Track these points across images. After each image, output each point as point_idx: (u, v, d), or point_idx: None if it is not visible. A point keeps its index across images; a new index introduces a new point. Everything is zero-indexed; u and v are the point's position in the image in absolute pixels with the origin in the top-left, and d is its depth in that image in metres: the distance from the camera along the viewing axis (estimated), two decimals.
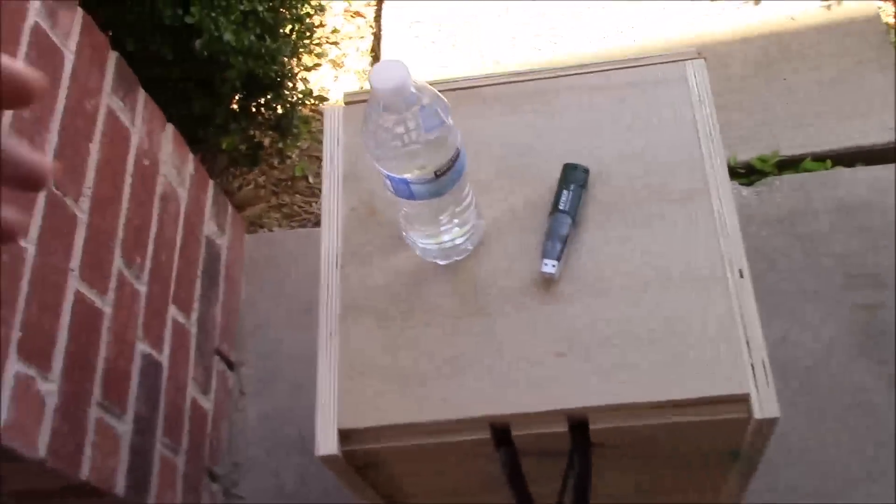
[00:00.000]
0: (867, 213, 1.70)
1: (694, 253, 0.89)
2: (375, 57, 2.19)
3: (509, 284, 0.91)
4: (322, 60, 2.11)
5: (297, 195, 2.02)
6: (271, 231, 1.94)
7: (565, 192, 0.92)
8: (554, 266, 0.89)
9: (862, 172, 1.76)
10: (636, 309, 0.87)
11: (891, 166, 1.76)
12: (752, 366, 0.83)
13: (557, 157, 0.96)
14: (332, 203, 0.98)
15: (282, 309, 1.77)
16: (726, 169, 0.94)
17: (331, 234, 0.96)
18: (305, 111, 1.96)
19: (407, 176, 0.79)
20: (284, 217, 1.99)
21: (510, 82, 1.03)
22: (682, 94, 0.98)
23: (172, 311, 1.48)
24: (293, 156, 2.04)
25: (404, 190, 0.81)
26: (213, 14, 1.43)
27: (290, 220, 1.98)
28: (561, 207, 0.91)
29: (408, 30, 2.19)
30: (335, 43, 2.21)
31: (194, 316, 1.56)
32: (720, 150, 0.94)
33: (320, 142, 2.07)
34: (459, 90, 1.02)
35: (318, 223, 1.92)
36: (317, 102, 1.94)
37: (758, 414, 0.81)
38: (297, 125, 1.88)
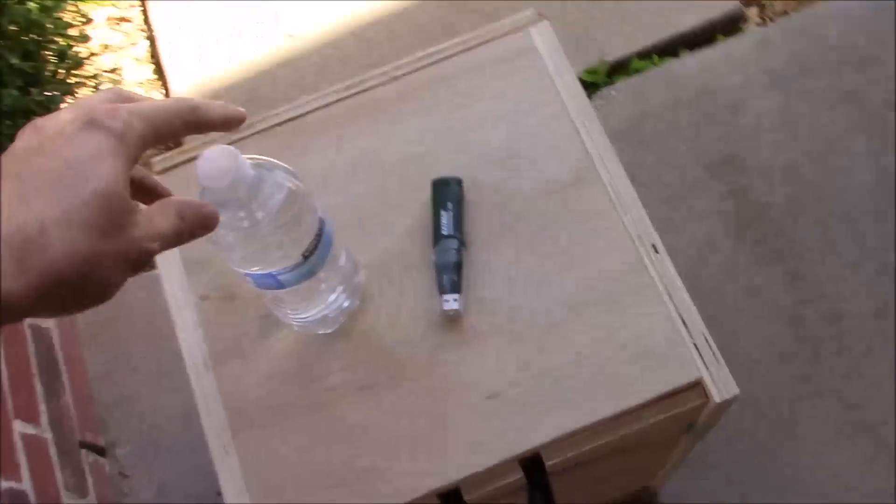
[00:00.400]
0: (706, 99, 1.67)
1: (599, 243, 0.80)
2: (157, 63, 1.96)
3: (412, 334, 0.79)
4: (101, 80, 1.88)
5: None
6: None
7: (443, 213, 0.80)
8: (456, 300, 0.78)
9: (690, 60, 1.72)
10: (558, 325, 0.77)
11: (715, 47, 1.73)
12: (695, 346, 0.76)
13: (422, 173, 0.83)
14: (178, 297, 0.82)
15: (139, 371, 1.59)
16: (603, 134, 0.84)
17: (188, 335, 0.81)
18: None
19: (271, 270, 0.65)
20: None
21: (339, 100, 0.88)
22: (536, 66, 0.87)
23: (19, 427, 1.28)
24: None
25: (272, 282, 0.67)
26: None
27: None
28: (444, 232, 0.79)
29: (179, 23, 1.98)
30: (111, 70, 1.96)
31: (44, 420, 1.36)
32: (594, 119, 0.84)
33: None
34: (286, 123, 0.87)
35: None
36: None
37: (716, 397, 0.74)
38: None
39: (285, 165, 0.65)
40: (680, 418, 0.77)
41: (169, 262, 0.84)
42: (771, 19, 1.80)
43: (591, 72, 1.72)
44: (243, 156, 0.59)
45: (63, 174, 0.42)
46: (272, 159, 0.64)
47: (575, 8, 1.81)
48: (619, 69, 1.74)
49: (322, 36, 1.92)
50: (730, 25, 1.79)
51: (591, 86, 1.72)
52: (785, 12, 1.81)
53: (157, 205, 0.48)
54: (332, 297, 0.76)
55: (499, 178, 0.83)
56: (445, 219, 0.80)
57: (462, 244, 0.79)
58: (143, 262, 0.46)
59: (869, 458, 1.40)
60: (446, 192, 0.81)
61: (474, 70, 0.87)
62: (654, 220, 1.54)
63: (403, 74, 0.89)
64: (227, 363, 0.80)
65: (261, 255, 0.64)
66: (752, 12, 1.83)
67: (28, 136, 0.44)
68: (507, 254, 0.80)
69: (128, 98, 0.49)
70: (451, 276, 0.78)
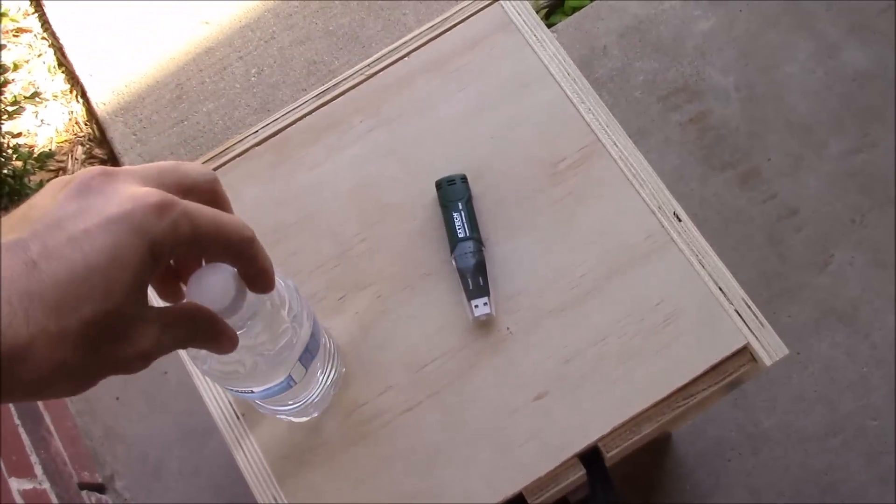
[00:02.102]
0: (649, 29, 1.65)
1: (619, 221, 0.77)
2: (68, 72, 1.85)
3: (446, 346, 0.75)
4: (24, 105, 1.77)
5: None
6: None
7: (455, 214, 0.76)
8: (486, 304, 0.74)
9: None
10: (592, 311, 0.75)
11: None
12: (736, 312, 0.74)
13: (420, 174, 0.79)
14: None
15: (123, 399, 1.53)
16: (602, 104, 0.81)
17: (211, 388, 0.76)
18: (35, 178, 1.65)
19: (282, 378, 0.61)
20: None
21: (317, 108, 0.83)
22: (515, 40, 0.83)
23: (15, 485, 1.22)
24: None
25: (283, 387, 0.62)
26: None
27: None
28: (461, 235, 0.76)
29: (82, 26, 1.87)
30: (32, 96, 1.85)
31: (39, 471, 1.30)
32: (588, 88, 0.81)
33: None
34: (266, 140, 0.82)
35: None
36: (42, 159, 1.62)
37: (766, 360, 0.73)
38: (29, 194, 1.57)
39: (288, 280, 0.59)
40: (730, 385, 0.76)
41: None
42: None
43: None
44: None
45: (74, 285, 0.37)
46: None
47: None
48: (555, 10, 1.70)
49: (239, 18, 1.84)
50: None
51: None
52: None
53: (172, 314, 0.43)
54: (321, 376, 0.71)
55: (502, 167, 0.80)
56: (458, 220, 0.76)
57: (480, 243, 0.76)
58: (137, 370, 0.42)
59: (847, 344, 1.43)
60: (453, 192, 0.77)
61: (451, 56, 0.83)
62: None
63: (377, 71, 0.84)
64: (257, 412, 0.76)
65: (273, 370, 0.59)
66: None
67: (61, 203, 0.39)
68: (527, 244, 0.77)
69: (188, 182, 0.43)
70: (476, 279, 0.75)
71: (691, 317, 0.74)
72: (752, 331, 0.73)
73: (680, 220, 0.77)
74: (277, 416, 0.74)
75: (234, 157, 0.82)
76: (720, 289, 0.75)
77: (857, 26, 1.60)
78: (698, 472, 1.36)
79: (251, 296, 0.49)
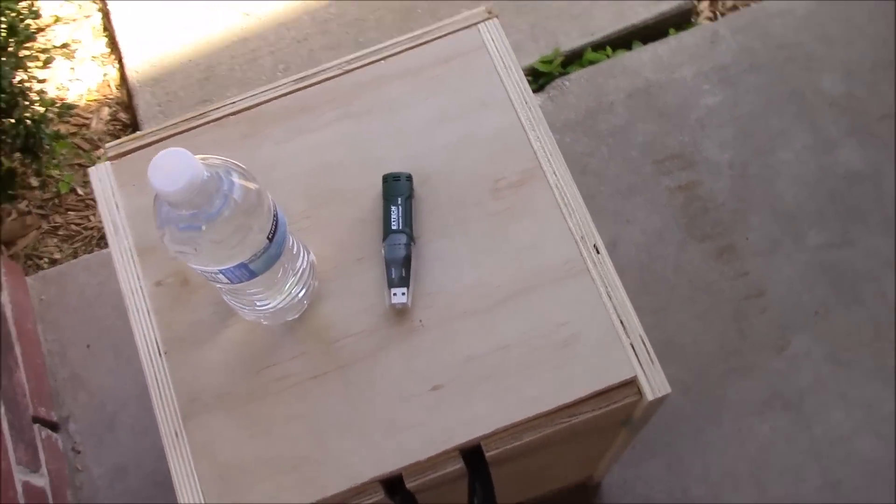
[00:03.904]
0: (658, 94, 1.71)
1: (543, 243, 0.83)
2: (111, 37, 1.95)
3: (361, 327, 0.81)
4: (54, 54, 1.86)
5: (70, 212, 1.80)
6: (55, 263, 1.72)
7: (393, 207, 0.83)
8: (404, 294, 0.80)
9: (643, 53, 1.76)
10: (501, 320, 0.81)
11: (666, 40, 1.77)
12: (631, 346, 0.79)
13: (373, 167, 0.85)
14: (132, 283, 0.84)
15: (94, 348, 1.59)
16: (551, 134, 0.87)
17: (141, 320, 0.83)
18: (54, 126, 1.73)
19: (243, 259, 0.67)
20: (62, 240, 1.77)
21: (294, 91, 0.90)
22: (484, 64, 0.89)
23: None
24: (53, 178, 1.80)
25: (244, 273, 0.69)
26: None
27: (69, 242, 1.76)
28: (394, 227, 0.82)
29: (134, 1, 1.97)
30: (63, 46, 1.95)
31: None
32: (541, 118, 0.87)
33: (81, 149, 1.84)
34: (241, 112, 0.89)
35: (102, 238, 1.72)
36: (63, 110, 1.71)
37: (649, 395, 0.78)
38: (48, 143, 1.65)
39: (238, 165, 0.67)
40: (615, 413, 0.80)
41: (121, 249, 0.85)
42: (721, 14, 1.85)
43: (545, 62, 1.75)
44: (195, 157, 0.62)
45: None
46: (225, 159, 0.66)
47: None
48: (573, 60, 1.77)
49: (278, 15, 1.92)
50: (682, 18, 1.82)
51: (545, 75, 1.74)
52: (735, 7, 1.85)
53: None
54: (289, 287, 0.78)
55: (448, 174, 0.86)
56: (395, 213, 0.82)
57: (411, 238, 0.82)
58: None
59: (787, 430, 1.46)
60: (396, 187, 0.83)
61: (425, 66, 0.89)
62: (604, 211, 1.59)
63: (355, 68, 0.91)
64: (180, 350, 0.82)
65: (230, 250, 0.66)
66: (704, 6, 1.87)
67: None
68: (455, 249, 0.83)
69: None
70: (399, 270, 0.81)
71: (589, 343, 0.79)
72: (641, 365, 0.78)
73: (598, 252, 0.83)
74: (253, 318, 0.81)
75: (208, 122, 0.89)
76: (621, 322, 0.80)
77: (857, 128, 1.65)
78: None
79: (205, 171, 0.61)
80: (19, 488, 1.33)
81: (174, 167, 0.60)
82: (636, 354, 0.79)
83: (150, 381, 0.81)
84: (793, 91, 1.70)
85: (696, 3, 1.85)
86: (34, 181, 1.79)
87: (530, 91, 0.88)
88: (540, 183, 0.85)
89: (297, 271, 0.78)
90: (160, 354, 0.82)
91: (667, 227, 1.60)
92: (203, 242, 0.64)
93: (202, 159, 0.64)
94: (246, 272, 0.69)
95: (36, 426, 1.45)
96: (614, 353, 0.79)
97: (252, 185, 0.67)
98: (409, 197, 0.83)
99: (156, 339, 0.82)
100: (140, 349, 0.82)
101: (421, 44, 0.91)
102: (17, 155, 1.68)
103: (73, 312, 1.62)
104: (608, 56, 1.77)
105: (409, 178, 0.84)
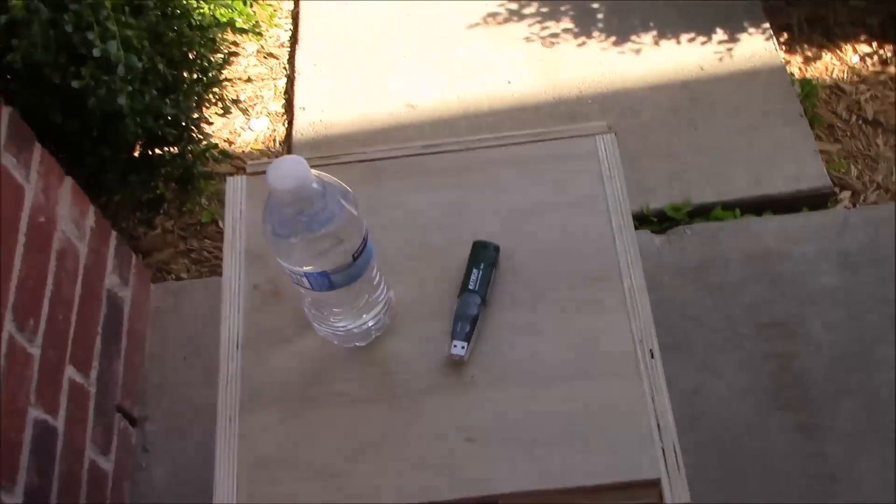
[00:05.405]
0: (775, 262, 1.73)
1: (604, 335, 0.88)
2: (289, 100, 2.15)
3: (418, 368, 0.88)
4: (232, 107, 2.07)
5: (206, 240, 1.96)
6: (180, 279, 1.88)
7: (475, 270, 0.90)
8: (463, 348, 0.87)
9: (770, 222, 1.79)
10: (547, 395, 0.86)
11: (797, 215, 1.80)
12: (662, 450, 0.82)
13: (468, 234, 0.94)
14: (234, 280, 0.94)
15: (190, 361, 1.71)
16: (637, 247, 0.93)
17: (232, 314, 0.92)
18: (209, 166, 1.92)
19: (325, 269, 0.76)
20: (193, 262, 1.92)
21: (418, 154, 1.00)
22: (592, 169, 0.97)
23: (69, 372, 1.41)
24: (196, 209, 1.98)
25: (324, 282, 0.78)
26: (105, 77, 1.37)
27: (198, 265, 1.92)
28: (471, 287, 0.89)
29: (317, 70, 2.17)
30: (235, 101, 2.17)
31: (93, 374, 1.49)
32: (630, 227, 0.93)
33: None
34: (365, 162, 0.99)
35: None
36: (220, 156, 1.89)
37: (669, 500, 0.80)
38: (199, 179, 1.82)
39: (345, 187, 0.77)
40: None
41: (233, 251, 0.95)
42: (858, 205, 1.87)
43: (675, 208, 1.81)
44: (311, 169, 0.71)
45: None
46: (335, 179, 0.76)
47: (679, 149, 1.91)
48: (701, 213, 1.83)
49: (438, 112, 2.07)
50: (818, 201, 1.85)
51: (670, 220, 1.80)
52: (876, 202, 1.87)
53: None
54: (365, 316, 0.86)
55: (534, 257, 0.93)
56: (475, 276, 0.89)
57: (483, 301, 0.89)
58: None
59: None
60: (483, 254, 0.91)
61: (537, 160, 0.98)
62: (695, 359, 1.60)
63: (477, 148, 1.00)
64: (256, 349, 0.90)
65: (317, 256, 0.75)
66: (846, 195, 1.90)
67: None
68: (522, 321, 0.89)
69: None
70: (465, 325, 0.87)
71: (624, 436, 0.83)
72: (667, 469, 0.81)
73: (653, 357, 0.87)
74: (326, 335, 0.89)
75: (333, 164, 1.00)
76: (658, 424, 0.83)
77: None
78: None
79: (315, 181, 0.71)
80: (86, 464, 1.43)
81: (290, 169, 0.70)
82: (665, 459, 0.82)
83: (223, 369, 0.90)
84: None
85: (836, 190, 1.87)
86: (181, 208, 1.97)
87: (627, 200, 0.95)
88: (615, 283, 0.90)
89: (374, 301, 0.86)
90: (237, 347, 0.91)
91: (753, 388, 1.60)
92: (297, 241, 0.73)
93: (317, 174, 0.74)
94: (327, 281, 0.78)
95: (117, 415, 1.56)
96: (645, 452, 0.82)
97: (352, 210, 0.76)
98: (492, 265, 0.91)
99: (238, 334, 0.91)
100: (222, 339, 0.91)
101: (540, 140, 0.99)
102: (173, 185, 1.86)
103: (182, 326, 1.75)
104: (735, 217, 1.81)
105: (496, 248, 0.92)
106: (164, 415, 1.66)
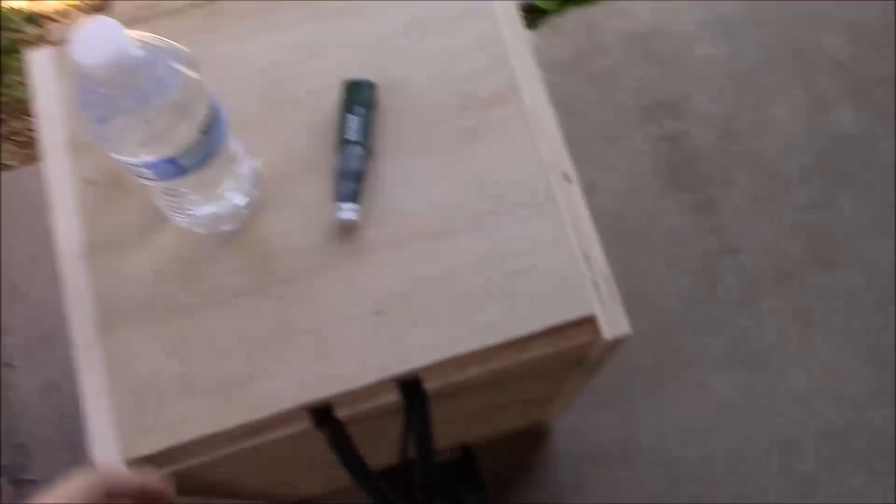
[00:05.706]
0: (654, 41, 1.63)
1: (510, 166, 0.76)
2: None
3: (303, 242, 0.75)
4: None
5: (29, 118, 1.72)
6: (8, 168, 1.64)
7: (351, 116, 0.75)
8: (353, 210, 0.73)
9: None
10: (454, 245, 0.74)
11: None
12: (593, 283, 0.73)
13: (336, 74, 0.78)
14: (59, 178, 0.77)
15: (38, 259, 1.52)
16: (532, 55, 0.79)
17: (65, 219, 0.76)
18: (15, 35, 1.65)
19: (169, 153, 0.60)
20: (21, 148, 1.69)
21: None
22: None
23: None
24: (12, 85, 1.72)
25: (172, 170, 0.62)
26: None
27: (25, 148, 1.69)
28: (348, 137, 0.75)
29: None
30: None
31: None
32: (523, 35, 0.80)
33: None
34: (194, 7, 0.81)
35: None
36: (24, 20, 1.63)
37: (607, 335, 0.72)
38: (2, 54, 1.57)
39: (178, 45, 0.60)
40: (569, 353, 0.75)
41: (52, 142, 0.78)
42: None
43: None
44: (128, 32, 0.54)
45: None
46: (162, 38, 0.59)
47: None
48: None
49: None
50: None
51: (541, 12, 1.66)
52: None
53: None
54: (229, 193, 0.71)
55: (416, 86, 0.79)
56: (352, 123, 0.75)
57: (367, 152, 0.75)
58: None
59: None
60: (357, 95, 0.76)
61: None
62: (585, 155, 1.52)
63: None
64: (105, 254, 0.75)
65: (156, 139, 0.59)
66: None
67: None
68: (413, 166, 0.76)
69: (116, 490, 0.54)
70: (350, 184, 0.74)
71: (548, 275, 0.73)
72: (602, 303, 0.72)
73: (569, 182, 0.76)
74: (187, 226, 0.74)
75: (160, 16, 0.81)
76: (585, 256, 0.74)
77: (855, 91, 1.59)
78: (567, 472, 1.34)
79: (139, 50, 0.55)
80: None
81: (99, 37, 0.53)
82: (597, 291, 0.73)
83: (68, 287, 0.75)
84: (794, 48, 1.62)
85: None
86: None
87: (517, 14, 0.80)
88: (513, 104, 0.78)
89: (238, 175, 0.71)
90: (82, 259, 0.75)
91: (647, 175, 1.54)
92: (125, 125, 0.57)
93: (138, 36, 0.57)
94: (174, 168, 0.62)
95: None
96: (574, 288, 0.73)
97: (191, 73, 0.60)
98: (370, 107, 0.76)
99: (79, 243, 0.75)
100: (60, 250, 0.75)
101: None
102: None
103: (21, 220, 1.54)
104: None
105: (371, 86, 0.77)
106: (22, 323, 1.48)
